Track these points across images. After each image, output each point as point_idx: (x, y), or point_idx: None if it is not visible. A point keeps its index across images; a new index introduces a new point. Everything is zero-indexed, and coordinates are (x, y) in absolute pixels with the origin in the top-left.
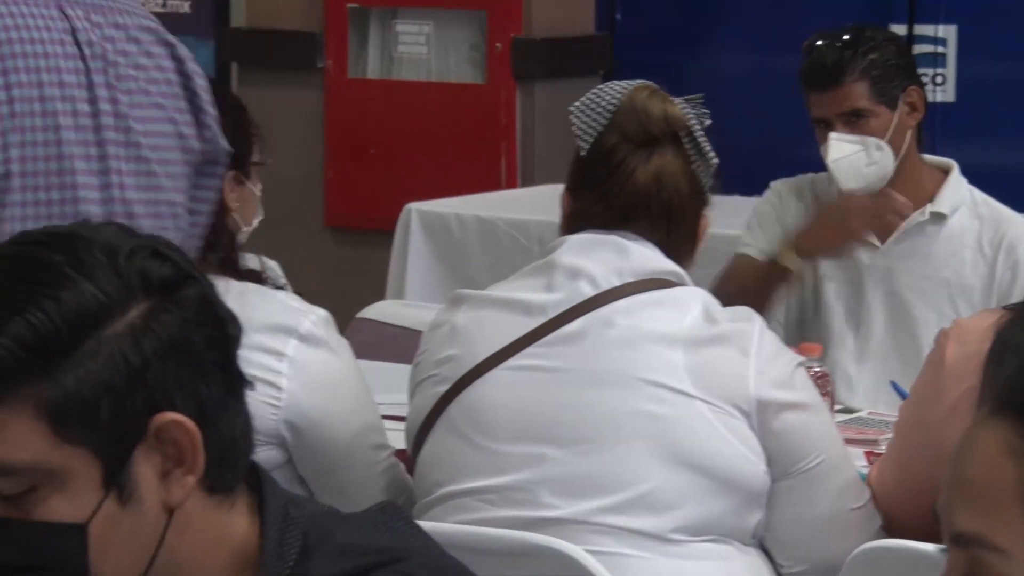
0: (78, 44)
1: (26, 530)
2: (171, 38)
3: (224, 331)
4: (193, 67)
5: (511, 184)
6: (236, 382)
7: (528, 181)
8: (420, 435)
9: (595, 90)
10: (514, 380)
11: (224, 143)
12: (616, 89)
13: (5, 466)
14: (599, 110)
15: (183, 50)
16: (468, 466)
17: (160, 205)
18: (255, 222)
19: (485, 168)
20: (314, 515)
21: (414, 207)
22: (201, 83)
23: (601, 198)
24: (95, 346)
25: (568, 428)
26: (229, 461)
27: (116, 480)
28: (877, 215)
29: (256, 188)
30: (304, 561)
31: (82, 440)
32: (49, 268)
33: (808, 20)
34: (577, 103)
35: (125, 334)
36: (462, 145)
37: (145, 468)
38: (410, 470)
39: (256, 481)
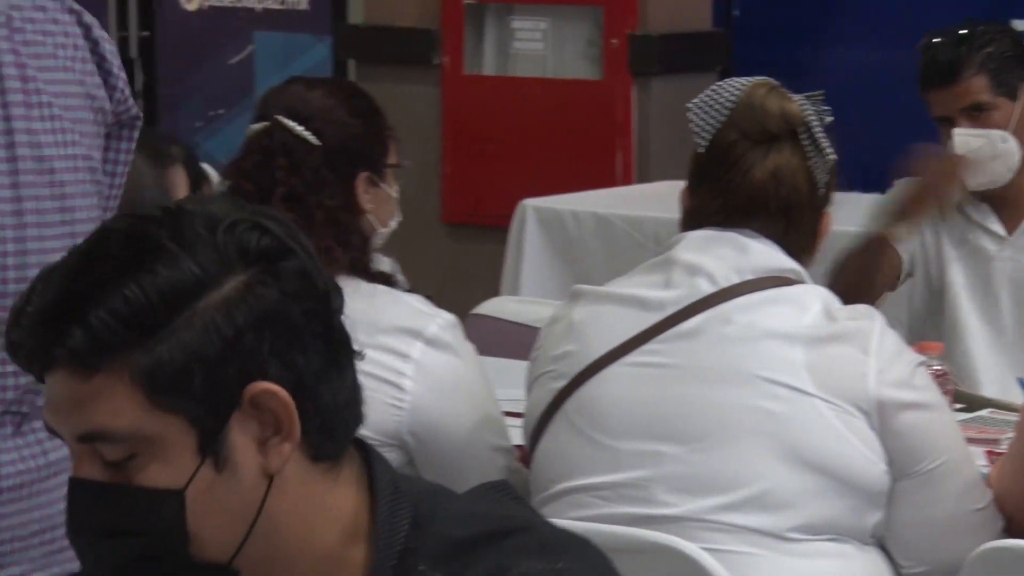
0: None
1: (126, 495)
2: (77, 7)
3: (325, 303)
4: (100, 33)
5: (627, 180)
6: (339, 352)
7: (644, 177)
8: (536, 431)
9: (713, 87)
10: (631, 376)
11: (136, 107)
12: (734, 86)
13: (104, 432)
14: (717, 107)
15: (89, 17)
16: (584, 462)
17: (78, 160)
18: (392, 224)
19: (601, 164)
20: (423, 491)
21: (530, 203)
22: (109, 48)
23: (719, 195)
24: (189, 318)
25: (685, 425)
26: (331, 430)
27: (211, 447)
28: (948, 173)
29: (392, 190)
30: (415, 534)
31: (176, 408)
32: (151, 242)
33: (927, 12)
34: (695, 100)
35: (219, 306)
36: (578, 141)
37: (241, 436)
38: (527, 466)
39: (364, 455)
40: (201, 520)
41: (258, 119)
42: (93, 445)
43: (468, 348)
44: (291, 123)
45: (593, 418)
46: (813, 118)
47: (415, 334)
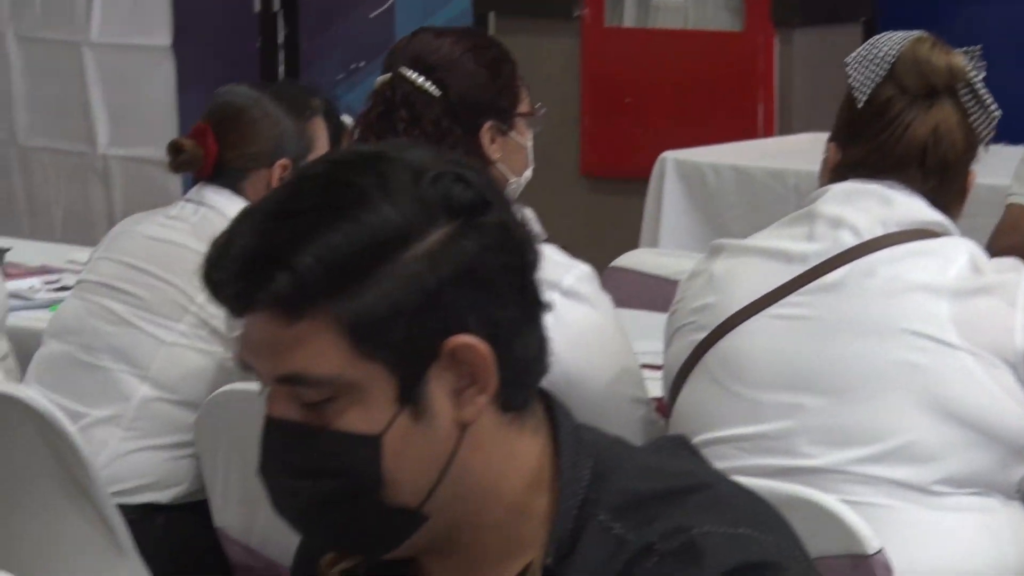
0: None
1: (324, 438)
2: None
3: (522, 257)
4: None
5: (768, 133)
6: (533, 305)
7: (785, 130)
8: (677, 383)
9: (871, 41)
10: (773, 329)
11: None
12: (893, 40)
13: (306, 377)
14: (877, 61)
15: None
16: (725, 414)
17: None
18: (526, 174)
19: (742, 117)
20: (604, 441)
21: (669, 156)
22: None
23: (875, 150)
24: (393, 268)
25: (827, 377)
26: (522, 381)
27: (410, 396)
28: None
29: (524, 139)
30: (596, 485)
31: (378, 357)
32: (353, 189)
33: None
34: (853, 54)
35: (423, 258)
36: (718, 94)
37: (438, 386)
38: (665, 418)
39: (547, 405)
40: (395, 466)
41: (385, 70)
42: (292, 387)
43: (605, 299)
44: (412, 74)
45: (734, 370)
46: (974, 73)
47: (551, 285)
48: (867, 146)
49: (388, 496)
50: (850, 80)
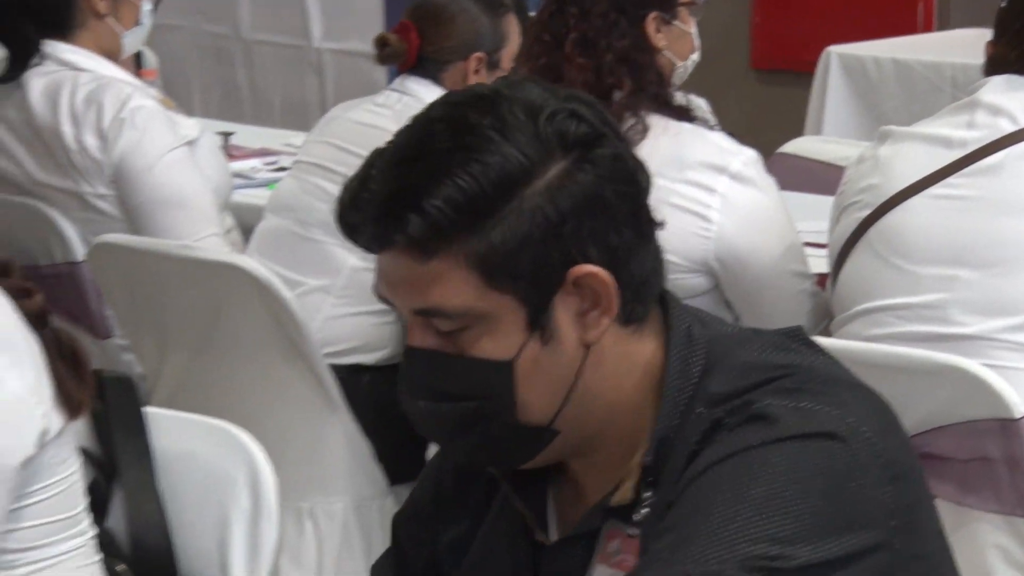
0: None
1: (460, 365)
2: None
3: (635, 184)
4: None
5: (927, 28)
6: (646, 227)
7: (944, 25)
8: (841, 257)
9: None
10: (933, 207)
11: None
12: None
13: (441, 310)
14: None
15: None
16: (885, 285)
17: None
18: (693, 57)
19: (903, 12)
20: (718, 335)
21: (834, 50)
22: None
23: (1016, 46)
24: (517, 204)
25: (981, 253)
26: (640, 297)
27: (538, 324)
28: None
29: (689, 27)
30: (705, 379)
31: (507, 288)
32: (475, 131)
33: None
34: None
35: (544, 192)
36: None
37: (564, 312)
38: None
39: (664, 305)
40: (527, 388)
41: None
42: (428, 319)
43: (770, 182)
44: None
45: (895, 245)
46: None
47: (720, 169)
48: (1011, 41)
49: (521, 416)
50: None
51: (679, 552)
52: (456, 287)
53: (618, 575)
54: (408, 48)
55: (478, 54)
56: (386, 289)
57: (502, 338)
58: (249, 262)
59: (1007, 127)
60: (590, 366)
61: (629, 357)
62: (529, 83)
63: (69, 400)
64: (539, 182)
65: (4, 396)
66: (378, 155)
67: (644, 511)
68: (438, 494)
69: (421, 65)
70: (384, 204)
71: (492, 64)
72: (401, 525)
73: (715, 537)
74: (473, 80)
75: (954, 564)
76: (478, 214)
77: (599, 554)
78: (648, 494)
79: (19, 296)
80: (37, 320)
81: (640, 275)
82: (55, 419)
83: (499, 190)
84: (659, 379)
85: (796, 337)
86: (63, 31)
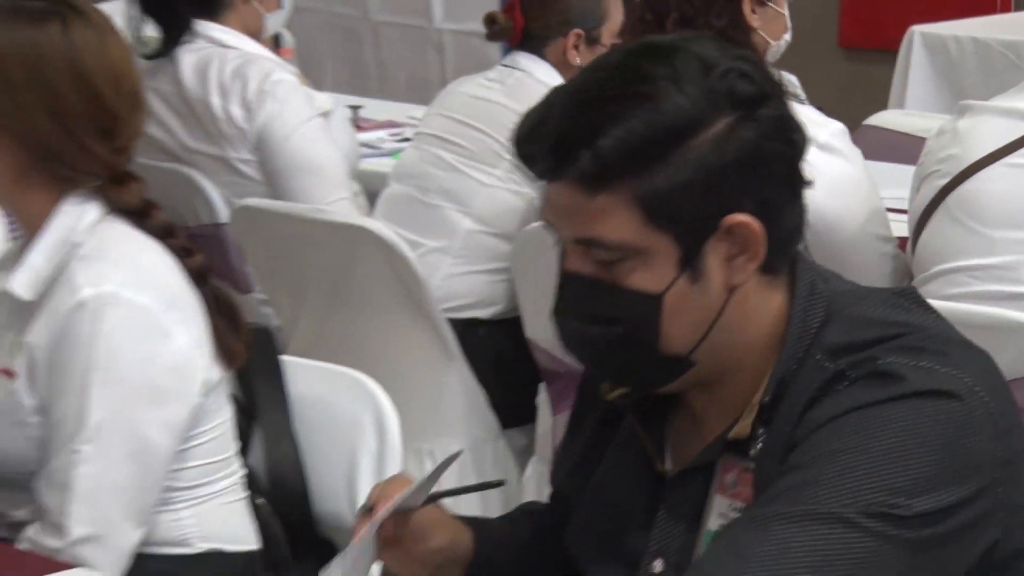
0: None
1: (614, 291)
2: None
3: (793, 145)
4: None
5: (1005, 8)
6: (797, 185)
7: (1020, 6)
8: (921, 222)
9: None
10: (1008, 175)
11: None
12: None
13: (602, 241)
14: None
15: None
16: (962, 247)
17: None
18: (785, 37)
19: None
20: (838, 291)
21: (917, 29)
22: None
23: None
24: (683, 153)
25: None
26: (783, 249)
27: (689, 263)
28: None
29: (782, 8)
30: (824, 330)
31: (665, 229)
32: (651, 80)
33: None
34: None
35: (710, 144)
36: None
37: (714, 255)
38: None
39: (792, 260)
40: (671, 320)
41: None
42: (588, 248)
43: (855, 152)
44: None
45: (972, 210)
46: None
47: (809, 140)
48: None
49: (663, 346)
50: None
51: (804, 492)
52: (618, 222)
53: (736, 504)
54: (514, 25)
55: (577, 30)
56: (551, 216)
57: (654, 273)
58: (376, 224)
59: None
60: (731, 307)
61: (764, 304)
62: (706, 39)
63: (226, 351)
64: (706, 134)
65: (174, 349)
66: (558, 93)
67: (758, 446)
68: (576, 430)
69: (527, 41)
70: (560, 139)
71: (591, 40)
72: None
73: (838, 483)
74: (572, 55)
75: None
76: (646, 158)
77: (717, 485)
78: (762, 431)
79: (182, 255)
80: (198, 278)
81: (787, 229)
82: (215, 369)
83: (668, 137)
84: (784, 327)
85: (909, 296)
86: (213, 12)
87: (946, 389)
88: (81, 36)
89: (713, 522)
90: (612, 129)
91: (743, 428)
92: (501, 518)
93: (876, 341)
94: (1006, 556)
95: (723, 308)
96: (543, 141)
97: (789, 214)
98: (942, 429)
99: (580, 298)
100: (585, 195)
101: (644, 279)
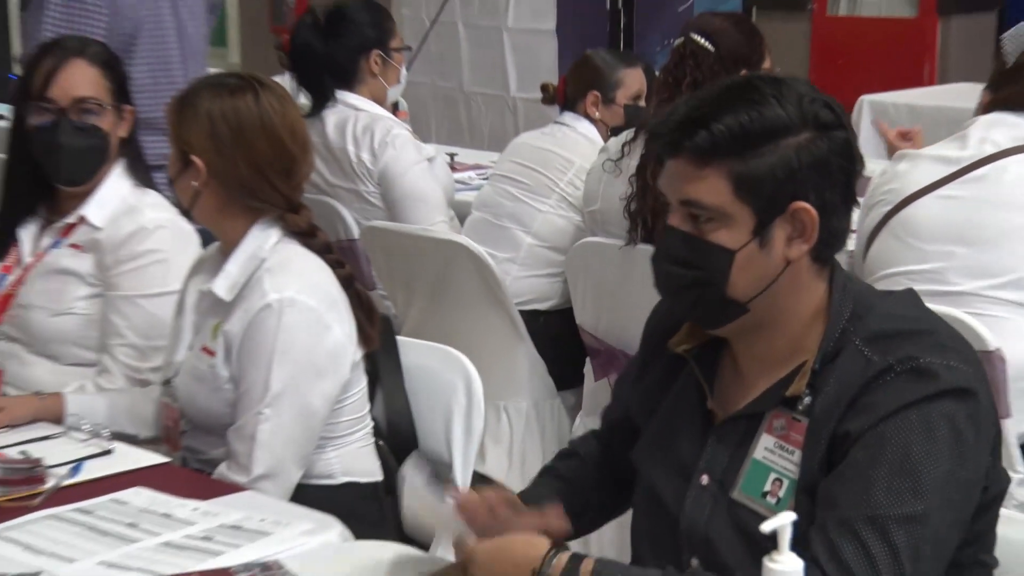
0: None
1: (700, 244)
2: None
3: (853, 165)
4: None
5: (931, 82)
6: (850, 198)
7: (943, 80)
8: (870, 238)
9: (1017, 27)
10: (936, 204)
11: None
12: None
13: (700, 203)
14: (1021, 39)
15: None
16: (901, 258)
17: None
18: None
19: (914, 70)
20: (862, 291)
21: (865, 98)
22: None
23: (1015, 93)
24: (774, 148)
25: (970, 234)
26: (831, 244)
27: (761, 232)
28: None
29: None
30: (854, 320)
31: (749, 202)
32: (761, 93)
33: None
34: (1006, 34)
35: (794, 147)
36: (897, 57)
37: (780, 231)
38: (858, 268)
39: (832, 265)
40: (738, 273)
41: (679, 36)
42: (688, 208)
43: None
44: (696, 37)
45: (909, 230)
46: None
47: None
48: (1009, 91)
49: (728, 291)
50: (1003, 48)
51: (863, 496)
52: (716, 190)
53: (781, 444)
54: (558, 91)
55: (595, 92)
56: (666, 183)
57: (733, 234)
58: (466, 240)
59: (990, 149)
60: (785, 276)
61: (808, 285)
62: (802, 80)
63: (365, 337)
64: (793, 139)
65: (333, 339)
66: (687, 96)
67: (805, 402)
68: (641, 372)
69: (568, 103)
70: (683, 120)
71: (607, 100)
72: (619, 386)
73: (883, 490)
74: (592, 111)
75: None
76: (747, 145)
77: (766, 426)
78: (807, 391)
79: (336, 266)
80: (346, 283)
81: (836, 228)
82: (357, 352)
83: (766, 133)
84: (823, 308)
85: (916, 297)
86: (349, 85)
87: (967, 387)
88: (267, 102)
89: (759, 453)
90: (725, 118)
91: (798, 388)
92: (556, 465)
93: (903, 333)
94: (987, 500)
95: (779, 276)
96: (671, 122)
97: (840, 217)
98: (969, 424)
99: (676, 247)
100: (695, 166)
101: (725, 237)
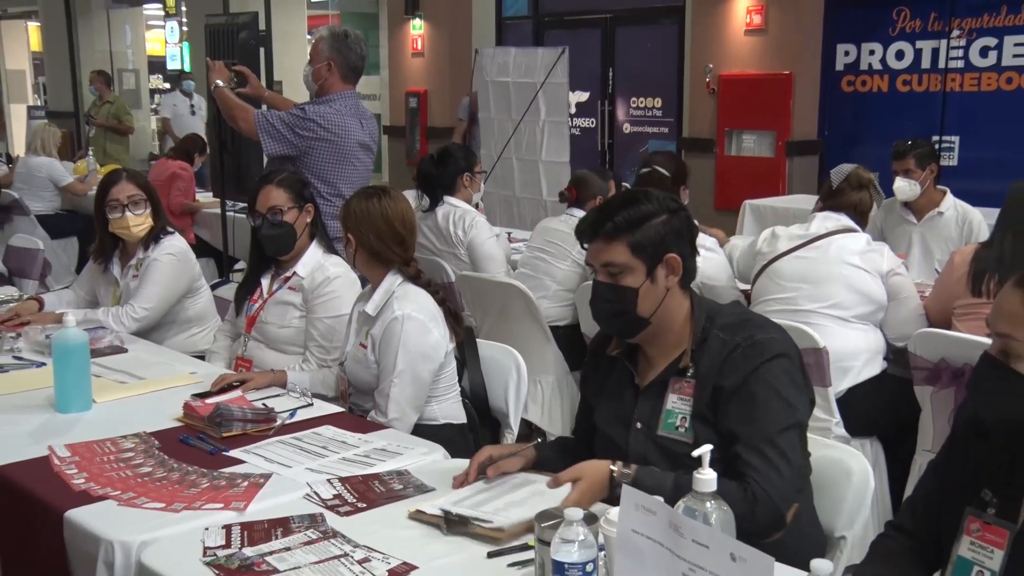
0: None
1: (617, 288)
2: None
3: (693, 231)
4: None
5: (784, 192)
6: (694, 251)
7: (791, 191)
8: (754, 279)
9: (837, 168)
10: (793, 262)
11: None
12: (848, 167)
13: (613, 263)
14: (840, 173)
15: None
16: (772, 290)
17: None
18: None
19: (774, 184)
20: (710, 303)
21: (747, 202)
22: None
23: (836, 204)
24: (649, 226)
25: (812, 278)
26: (688, 277)
27: (651, 275)
28: None
29: (683, 199)
30: (708, 320)
31: (641, 258)
32: (636, 197)
33: None
34: (833, 170)
35: (661, 223)
36: (761, 183)
37: (661, 273)
38: (748, 299)
39: (691, 289)
40: (642, 302)
41: (642, 166)
42: (607, 268)
43: (722, 252)
44: (657, 167)
45: (777, 275)
46: (869, 179)
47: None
48: (833, 201)
49: (637, 313)
50: (831, 178)
51: (755, 424)
52: (621, 254)
53: (681, 397)
54: (570, 195)
55: (599, 197)
56: (591, 255)
57: (635, 278)
58: (517, 283)
59: (823, 231)
60: (667, 299)
61: (680, 303)
62: (662, 194)
63: (455, 335)
64: (659, 219)
65: (433, 337)
66: (595, 208)
67: (691, 371)
68: (592, 371)
69: (577, 202)
70: (597, 218)
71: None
72: (583, 384)
73: (768, 415)
74: (591, 206)
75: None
76: (635, 226)
77: (670, 388)
78: (691, 365)
79: (434, 294)
80: (441, 303)
81: (689, 267)
82: (449, 344)
83: (644, 218)
84: (690, 315)
85: (739, 304)
86: (451, 192)
87: (785, 351)
88: (387, 201)
89: (669, 404)
90: (621, 213)
91: (685, 363)
92: (558, 439)
93: (739, 323)
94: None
95: (663, 299)
96: (587, 220)
97: (690, 261)
98: (794, 374)
99: (603, 291)
100: (607, 243)
101: (631, 280)
